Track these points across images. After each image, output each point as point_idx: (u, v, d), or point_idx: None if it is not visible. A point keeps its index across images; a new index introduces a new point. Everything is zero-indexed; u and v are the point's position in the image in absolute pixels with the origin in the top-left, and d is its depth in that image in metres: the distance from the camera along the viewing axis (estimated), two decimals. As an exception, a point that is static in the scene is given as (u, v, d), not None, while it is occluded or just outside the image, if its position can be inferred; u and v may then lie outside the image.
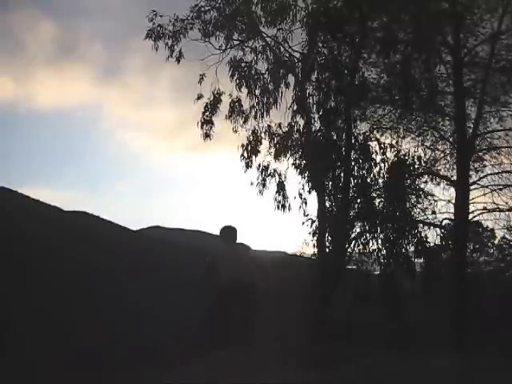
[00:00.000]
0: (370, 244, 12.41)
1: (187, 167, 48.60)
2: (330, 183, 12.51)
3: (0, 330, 8.01)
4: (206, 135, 12.92)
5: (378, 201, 12.93)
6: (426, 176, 13.75)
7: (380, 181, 12.71)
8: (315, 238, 12.53)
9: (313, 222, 12.40)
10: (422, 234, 12.80)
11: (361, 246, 12.50)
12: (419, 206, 13.31)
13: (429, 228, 13.16)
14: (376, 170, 12.49)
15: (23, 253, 12.14)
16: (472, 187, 13.19)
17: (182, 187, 49.64)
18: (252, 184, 12.76)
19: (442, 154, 14.11)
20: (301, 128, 12.65)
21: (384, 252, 12.43)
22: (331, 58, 12.63)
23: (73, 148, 45.06)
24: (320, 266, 12.53)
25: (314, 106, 12.57)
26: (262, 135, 12.90)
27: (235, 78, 12.61)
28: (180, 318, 10.85)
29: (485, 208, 13.27)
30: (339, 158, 12.58)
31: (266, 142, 12.91)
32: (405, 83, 12.50)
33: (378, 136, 13.08)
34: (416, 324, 13.11)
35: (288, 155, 12.71)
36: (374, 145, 12.67)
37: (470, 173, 13.27)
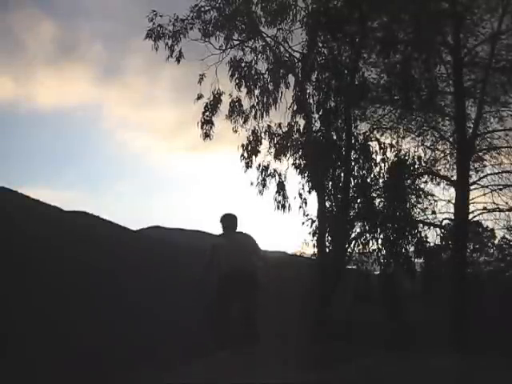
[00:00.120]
0: (370, 244, 12.43)
1: (187, 167, 48.58)
2: (330, 183, 12.51)
3: (0, 330, 8.01)
4: (206, 135, 12.93)
5: (378, 201, 12.94)
6: (426, 176, 13.76)
7: (380, 181, 12.71)
8: (315, 238, 12.53)
9: (313, 221, 12.41)
10: (422, 234, 12.83)
11: (361, 246, 12.51)
12: (419, 206, 13.33)
13: (429, 228, 13.17)
14: (376, 170, 12.50)
15: (23, 253, 12.14)
16: (472, 187, 13.21)
17: (182, 187, 49.62)
18: (252, 184, 12.76)
19: (442, 154, 14.13)
20: (301, 128, 12.66)
21: (384, 252, 12.43)
22: (331, 58, 12.63)
23: (73, 148, 45.06)
24: (320, 265, 12.53)
25: (314, 106, 12.57)
26: (262, 135, 12.90)
27: (235, 78, 12.61)
28: (180, 317, 10.85)
29: (485, 208, 13.28)
30: (339, 157, 12.58)
31: (266, 142, 12.92)
32: (405, 83, 12.50)
33: (377, 136, 13.10)
34: (416, 324, 13.11)
35: (288, 155, 12.71)
36: (374, 145, 12.69)
37: (470, 173, 13.29)
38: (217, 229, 7.33)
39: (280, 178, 12.79)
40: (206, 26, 12.68)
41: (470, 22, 12.74)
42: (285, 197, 12.68)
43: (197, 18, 12.71)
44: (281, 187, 12.75)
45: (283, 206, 12.60)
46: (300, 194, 12.42)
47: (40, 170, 46.66)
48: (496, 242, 17.65)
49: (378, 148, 12.59)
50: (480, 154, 13.67)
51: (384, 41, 12.44)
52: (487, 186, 13.32)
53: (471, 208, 13.12)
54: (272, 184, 12.80)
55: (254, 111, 12.77)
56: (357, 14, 12.41)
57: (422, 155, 13.42)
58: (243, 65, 12.70)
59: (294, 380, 3.47)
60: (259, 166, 12.83)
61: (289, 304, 11.74)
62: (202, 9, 12.72)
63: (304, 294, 12.74)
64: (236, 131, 12.94)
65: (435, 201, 13.49)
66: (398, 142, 13.18)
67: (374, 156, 12.51)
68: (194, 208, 44.99)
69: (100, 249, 14.83)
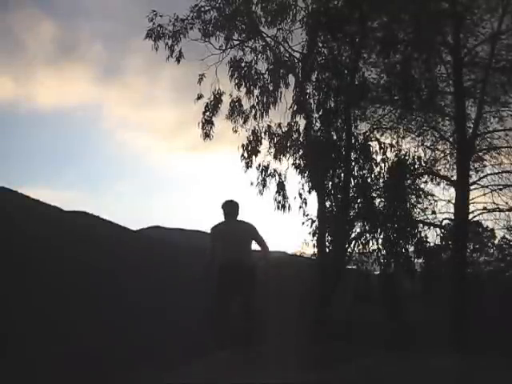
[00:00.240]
0: (370, 244, 12.42)
1: (187, 167, 48.66)
2: (330, 183, 12.51)
3: (0, 330, 8.01)
4: (206, 135, 12.92)
5: (378, 201, 12.93)
6: (426, 176, 13.76)
7: (380, 181, 12.71)
8: (315, 238, 12.53)
9: (313, 221, 12.41)
10: (422, 234, 12.82)
11: (361, 246, 12.50)
12: (419, 206, 13.33)
13: (429, 228, 13.18)
14: (376, 170, 12.49)
15: (23, 253, 12.15)
16: (472, 187, 13.21)
17: (182, 187, 49.70)
18: (252, 184, 12.75)
19: (442, 154, 14.13)
20: (301, 128, 12.65)
21: (384, 252, 12.42)
22: (331, 58, 12.62)
23: (73, 148, 45.12)
24: (320, 265, 12.53)
25: (314, 106, 12.57)
26: (262, 135, 12.89)
27: (235, 78, 12.61)
28: (180, 317, 10.86)
29: (485, 208, 13.28)
30: (339, 157, 12.58)
31: (266, 142, 12.91)
32: (405, 83, 12.50)
33: (378, 136, 13.09)
34: (416, 324, 13.11)
35: (288, 155, 12.70)
36: (374, 145, 12.68)
37: (470, 173, 13.30)
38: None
39: (280, 178, 12.80)
40: (206, 26, 12.68)
41: (470, 21, 12.74)
42: (285, 197, 12.68)
43: (197, 18, 12.71)
44: (281, 187, 12.75)
45: (283, 206, 12.60)
46: (300, 194, 12.43)
47: (40, 170, 46.74)
48: (496, 242, 17.67)
49: (378, 148, 12.60)
50: (480, 153, 13.67)
51: (384, 41, 12.44)
52: (487, 186, 13.33)
53: (471, 208, 13.15)
54: (272, 184, 12.80)
55: (253, 111, 12.78)
56: (357, 14, 12.41)
57: (422, 155, 13.43)
58: (243, 65, 12.70)
59: (294, 380, 3.47)
60: (259, 165, 12.83)
61: (289, 304, 11.74)
62: (202, 9, 12.73)
63: (304, 293, 12.74)
64: (236, 131, 12.95)
65: (435, 201, 13.51)
66: (397, 142, 13.19)
67: (374, 156, 12.51)
68: (193, 208, 45.04)
69: (100, 249, 14.84)
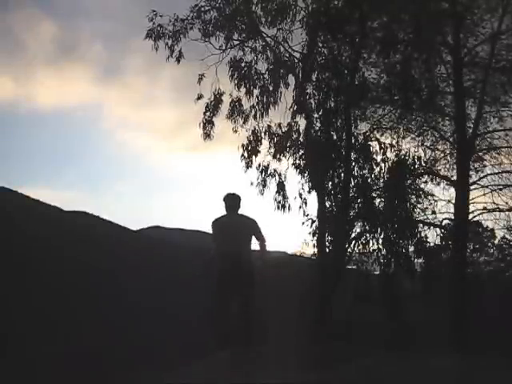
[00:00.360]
0: (370, 244, 12.41)
1: (187, 167, 48.74)
2: (330, 183, 12.50)
3: (0, 330, 8.02)
4: (207, 135, 12.92)
5: (378, 201, 12.93)
6: (426, 176, 13.75)
7: (380, 181, 12.70)
8: (315, 238, 12.52)
9: (313, 222, 12.40)
10: (422, 234, 12.81)
11: (361, 246, 12.50)
12: (419, 206, 13.32)
13: (429, 228, 13.17)
14: (376, 170, 12.48)
15: (23, 253, 12.16)
16: (472, 187, 13.21)
17: (182, 187, 49.78)
18: (252, 184, 12.75)
19: (442, 154, 14.13)
20: (301, 128, 12.65)
21: (384, 252, 12.42)
22: (331, 58, 12.61)
23: (73, 148, 45.17)
24: (320, 265, 12.52)
25: (314, 106, 12.57)
26: (262, 135, 12.89)
27: (235, 78, 12.60)
28: (180, 318, 10.86)
29: (485, 208, 13.28)
30: (339, 157, 12.57)
31: (266, 142, 12.91)
32: (405, 83, 12.49)
33: (378, 136, 13.08)
34: (416, 324, 13.12)
35: (288, 155, 12.70)
36: (374, 145, 12.67)
37: (470, 173, 13.29)
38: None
39: (280, 178, 12.78)
40: (206, 26, 12.67)
41: (470, 21, 12.74)
42: (285, 197, 12.67)
43: (197, 18, 12.70)
44: (281, 187, 12.74)
45: (283, 206, 12.60)
46: (300, 194, 12.42)
47: (40, 170, 46.78)
48: (496, 242, 17.69)
49: (378, 148, 12.59)
50: (480, 153, 13.67)
51: (384, 41, 12.43)
52: (487, 186, 13.33)
53: (471, 208, 13.14)
54: (272, 184, 12.80)
55: (253, 111, 12.76)
56: (357, 14, 12.40)
57: (422, 155, 13.42)
58: (243, 65, 12.69)
59: (294, 380, 3.47)
60: (259, 165, 12.83)
61: (289, 304, 11.75)
62: (202, 9, 12.72)
63: (304, 293, 12.74)
64: (236, 131, 12.94)
65: (435, 201, 13.51)
66: (398, 142, 13.18)
67: (374, 156, 12.50)
68: (194, 208, 45.06)
69: (100, 249, 14.86)
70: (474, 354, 10.05)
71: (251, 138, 12.87)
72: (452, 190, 13.32)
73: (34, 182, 44.11)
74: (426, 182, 13.69)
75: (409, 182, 13.23)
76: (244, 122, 12.89)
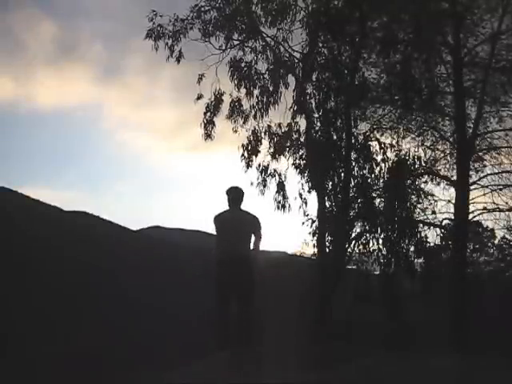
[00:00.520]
0: (370, 244, 12.41)
1: (187, 167, 48.68)
2: (330, 183, 12.50)
3: (0, 330, 8.01)
4: (208, 136, 12.92)
5: (378, 201, 12.93)
6: (426, 176, 13.75)
7: (380, 181, 12.70)
8: (315, 238, 12.53)
9: (313, 222, 12.41)
10: (422, 234, 12.82)
11: (361, 246, 12.50)
12: (419, 206, 13.32)
13: (429, 228, 13.17)
14: (376, 170, 12.48)
15: (23, 253, 12.15)
16: (472, 187, 13.20)
17: (182, 187, 49.73)
18: (252, 184, 12.75)
19: (442, 154, 14.13)
20: (301, 128, 12.66)
21: (384, 252, 12.43)
22: (331, 58, 12.61)
23: (73, 148, 45.10)
24: (320, 265, 12.52)
25: (315, 106, 12.57)
26: (262, 135, 12.90)
27: (235, 78, 12.60)
28: (180, 318, 10.85)
29: (485, 208, 13.28)
30: (339, 157, 12.58)
31: (266, 142, 12.92)
32: (405, 83, 12.49)
33: (378, 136, 13.08)
34: (416, 324, 13.12)
35: (287, 155, 12.71)
36: (374, 145, 12.68)
37: (470, 173, 13.29)
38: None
39: (280, 178, 12.79)
40: (206, 26, 12.67)
41: (470, 21, 12.73)
42: (285, 197, 12.68)
43: (197, 18, 12.70)
44: (281, 187, 12.75)
45: (283, 206, 12.60)
46: (300, 194, 12.43)
47: (40, 170, 46.71)
48: (496, 242, 17.70)
49: (378, 148, 12.59)
50: (480, 153, 13.66)
51: (384, 41, 12.43)
52: (487, 186, 13.33)
53: (471, 208, 13.14)
54: (272, 184, 12.81)
55: (253, 111, 12.77)
56: (357, 14, 12.40)
57: (422, 155, 13.43)
58: (243, 65, 12.69)
59: (294, 380, 3.47)
60: (259, 165, 12.84)
61: (289, 304, 11.75)
62: (202, 9, 12.72)
63: (304, 293, 12.74)
64: (236, 131, 12.95)
65: (435, 201, 13.51)
66: (398, 142, 13.18)
67: (374, 156, 12.50)
68: (194, 208, 45.04)
69: (100, 249, 14.86)
70: (474, 353, 10.05)
71: (251, 138, 12.88)
72: (452, 190, 13.34)
73: (34, 181, 44.10)
74: (426, 182, 13.70)
75: (409, 181, 13.24)
76: (244, 122, 12.92)
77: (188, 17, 12.69)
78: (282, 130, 12.76)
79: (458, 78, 12.89)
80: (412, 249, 12.62)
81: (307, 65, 12.53)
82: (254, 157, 12.86)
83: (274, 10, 12.27)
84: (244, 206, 7.30)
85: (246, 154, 12.82)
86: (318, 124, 12.65)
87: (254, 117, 12.77)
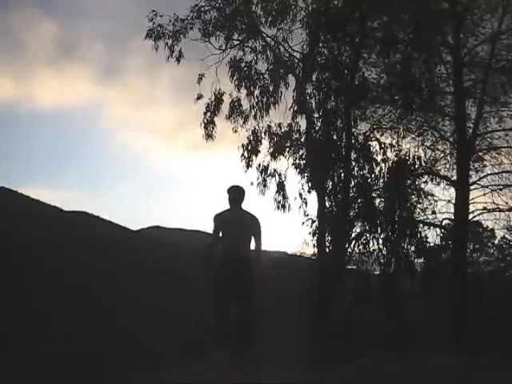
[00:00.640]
0: (370, 244, 12.41)
1: (187, 167, 48.64)
2: (330, 183, 12.50)
3: (0, 330, 8.02)
4: (209, 136, 12.93)
5: (378, 201, 12.93)
6: (426, 176, 13.75)
7: (380, 181, 12.70)
8: (315, 238, 12.52)
9: (313, 222, 12.40)
10: (422, 234, 12.81)
11: (361, 246, 12.50)
12: (419, 206, 13.32)
13: (429, 228, 13.17)
14: (376, 170, 12.47)
15: (23, 253, 12.16)
16: (472, 187, 13.20)
17: (182, 187, 49.67)
18: (252, 184, 12.75)
19: (442, 154, 14.13)
20: (301, 128, 12.65)
21: (384, 252, 12.42)
22: (331, 58, 12.61)
23: (73, 148, 45.03)
24: (320, 265, 12.52)
25: (315, 106, 12.57)
26: (262, 135, 12.90)
27: (235, 78, 12.60)
28: (180, 318, 10.86)
29: (485, 208, 13.28)
30: (339, 157, 12.58)
31: (266, 142, 12.92)
32: (405, 83, 12.49)
33: (378, 136, 13.08)
34: (416, 324, 13.12)
35: (287, 155, 12.71)
36: (374, 145, 12.67)
37: (470, 173, 13.29)
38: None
39: (280, 178, 12.79)
40: (206, 26, 12.67)
41: (470, 21, 12.73)
42: (285, 197, 12.68)
43: (197, 18, 12.70)
44: (281, 187, 12.75)
45: (283, 206, 12.60)
46: (300, 194, 12.42)
47: (40, 170, 46.63)
48: (496, 242, 17.70)
49: (378, 148, 12.59)
50: (480, 153, 13.66)
51: (384, 41, 12.43)
52: (487, 186, 13.33)
53: (471, 208, 13.14)
54: (272, 184, 12.81)
55: (254, 111, 12.78)
56: (357, 14, 12.40)
57: (422, 155, 13.42)
58: (243, 65, 12.69)
59: (294, 380, 3.47)
60: (259, 165, 12.84)
61: (289, 304, 11.75)
62: (202, 9, 12.71)
63: (304, 293, 12.74)
64: (236, 131, 12.96)
65: (435, 201, 13.51)
66: (398, 142, 13.18)
67: (374, 156, 12.50)
68: (194, 208, 45.01)
69: (100, 249, 14.87)
70: (474, 353, 10.04)
71: (251, 138, 12.89)
72: (452, 190, 13.34)
73: (34, 181, 44.05)
74: (426, 182, 13.70)
75: (409, 181, 13.24)
76: (244, 122, 12.92)
77: (188, 17, 12.70)
78: (282, 130, 12.77)
79: (458, 78, 12.89)
80: (412, 249, 12.62)
81: (307, 65, 12.53)
82: (254, 157, 12.87)
83: (274, 10, 12.27)
84: (244, 206, 7.30)
85: (246, 154, 12.83)
86: (318, 124, 12.65)
87: (254, 117, 12.78)
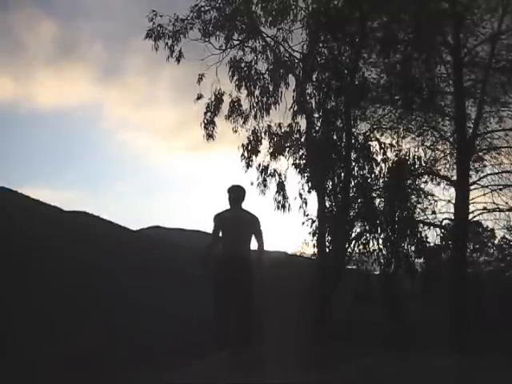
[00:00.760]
0: (370, 244, 12.41)
1: (187, 167, 48.66)
2: (330, 183, 12.50)
3: (0, 330, 8.02)
4: (209, 136, 12.92)
5: (378, 201, 12.93)
6: (426, 176, 13.75)
7: (380, 181, 12.70)
8: (315, 238, 12.52)
9: (313, 222, 12.40)
10: (422, 234, 12.81)
11: (361, 246, 12.50)
12: (419, 206, 13.32)
13: (429, 228, 13.17)
14: (376, 170, 12.48)
15: (23, 253, 12.16)
16: (472, 187, 13.20)
17: (182, 187, 49.69)
18: (252, 184, 12.75)
19: (442, 154, 14.12)
20: (301, 128, 12.65)
21: (384, 252, 12.42)
22: (331, 58, 12.61)
23: (73, 148, 45.04)
24: (320, 265, 12.52)
25: (315, 106, 12.57)
26: (262, 135, 12.90)
27: (235, 78, 12.61)
28: (180, 318, 10.86)
29: (485, 208, 13.28)
30: (339, 157, 12.58)
31: (266, 142, 12.92)
32: (405, 83, 12.49)
33: (378, 136, 13.08)
34: (416, 324, 13.11)
35: (287, 155, 12.71)
36: (374, 145, 12.67)
37: (470, 173, 13.28)
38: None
39: (280, 178, 12.79)
40: (206, 26, 12.67)
41: (470, 21, 12.73)
42: (285, 197, 12.68)
43: (197, 18, 12.70)
44: (281, 187, 12.75)
45: (283, 206, 12.60)
46: (300, 194, 12.42)
47: (40, 170, 46.64)
48: (496, 242, 17.69)
49: (378, 148, 12.58)
50: (480, 153, 13.66)
51: (384, 41, 12.43)
52: (487, 186, 13.32)
53: (471, 208, 13.13)
54: (272, 184, 12.81)
55: (254, 111, 12.77)
56: (357, 14, 12.40)
57: (422, 155, 13.42)
58: (243, 65, 12.69)
59: (294, 380, 3.46)
60: (259, 165, 12.84)
61: (289, 304, 11.74)
62: (202, 9, 12.71)
63: (304, 293, 12.74)
64: (236, 131, 12.96)
65: (435, 201, 13.50)
66: (398, 142, 13.18)
67: (374, 156, 12.50)
68: (194, 208, 45.02)
69: (100, 249, 14.87)
70: (474, 353, 10.04)
71: (251, 137, 12.89)
72: (452, 190, 13.33)
73: (34, 181, 44.07)
74: (426, 182, 13.70)
75: (409, 181, 13.24)
76: (244, 122, 12.92)
77: (188, 17, 12.70)
78: (282, 130, 12.77)
79: (458, 78, 12.88)
80: (412, 249, 12.62)
81: (307, 65, 12.53)
82: (254, 157, 12.87)
83: (274, 10, 12.27)
84: (244, 206, 7.29)
85: (246, 154, 12.83)
86: (318, 124, 12.65)
87: (254, 117, 12.78)
